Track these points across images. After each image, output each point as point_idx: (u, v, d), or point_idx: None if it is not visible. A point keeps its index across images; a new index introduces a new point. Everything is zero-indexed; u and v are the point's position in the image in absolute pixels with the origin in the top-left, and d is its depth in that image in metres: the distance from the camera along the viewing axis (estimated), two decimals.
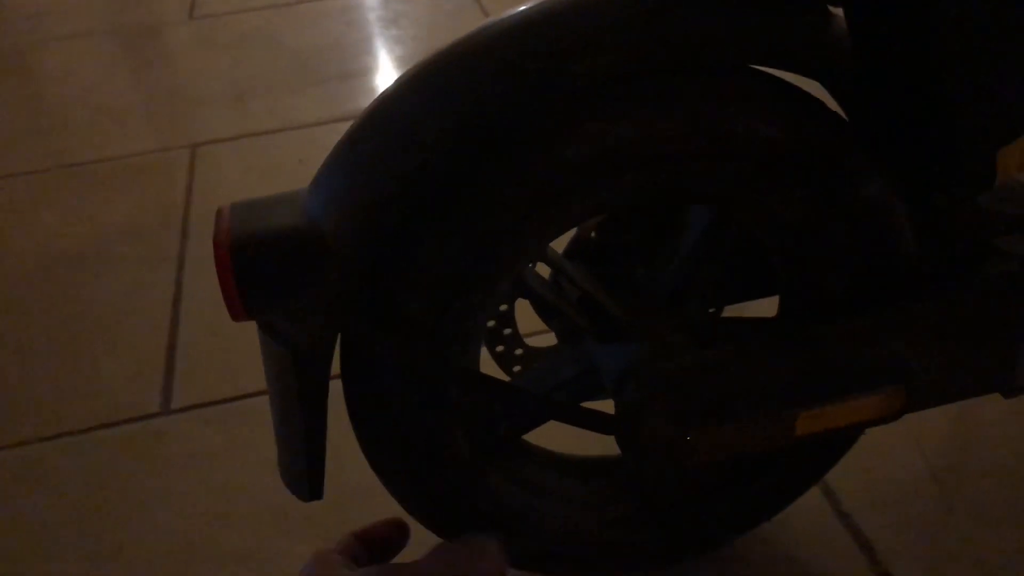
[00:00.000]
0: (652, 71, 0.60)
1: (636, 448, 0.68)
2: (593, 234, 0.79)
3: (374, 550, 0.65)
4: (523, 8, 0.60)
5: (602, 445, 0.88)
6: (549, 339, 0.83)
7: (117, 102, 1.90)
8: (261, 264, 0.59)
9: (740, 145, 0.62)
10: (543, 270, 0.78)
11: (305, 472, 0.67)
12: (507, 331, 0.83)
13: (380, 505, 0.94)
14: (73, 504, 1.00)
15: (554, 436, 0.87)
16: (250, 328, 1.21)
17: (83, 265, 1.40)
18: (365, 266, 0.62)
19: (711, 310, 0.85)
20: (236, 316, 0.60)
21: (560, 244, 1.06)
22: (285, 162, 1.63)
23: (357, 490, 0.97)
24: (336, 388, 0.71)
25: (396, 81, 0.62)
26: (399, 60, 1.98)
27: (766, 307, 0.80)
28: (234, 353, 1.19)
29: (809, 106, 0.64)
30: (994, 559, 0.85)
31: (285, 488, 0.98)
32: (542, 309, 0.81)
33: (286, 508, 0.97)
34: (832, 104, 0.69)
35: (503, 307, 0.82)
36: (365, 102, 1.81)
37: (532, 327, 0.86)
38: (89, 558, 0.94)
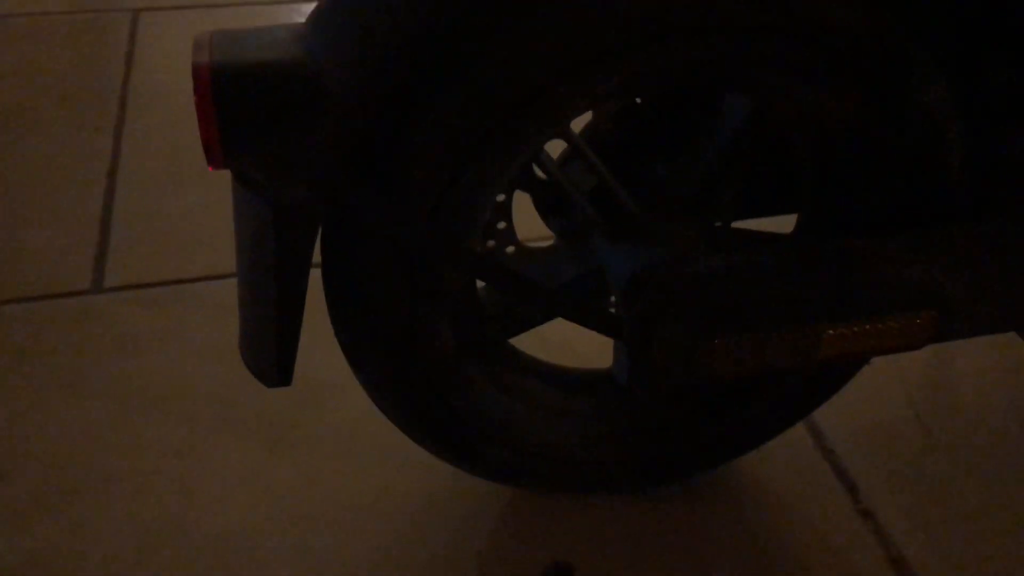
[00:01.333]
0: None
1: (646, 356, 0.61)
2: (610, 125, 0.71)
3: None
4: None
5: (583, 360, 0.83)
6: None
7: None
8: (247, 97, 0.50)
9: (809, 24, 0.54)
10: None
11: (274, 355, 0.59)
12: (501, 224, 0.75)
13: (342, 404, 0.87)
14: None
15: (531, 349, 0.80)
16: (194, 211, 1.12)
17: (10, 125, 1.26)
18: (366, 119, 0.53)
19: (718, 224, 0.79)
20: (214, 160, 0.51)
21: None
22: None
23: (317, 386, 0.89)
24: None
25: None
26: None
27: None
28: (173, 235, 1.08)
29: None
30: (973, 502, 0.82)
31: (230, 379, 0.90)
32: (545, 203, 0.73)
33: (232, 400, 0.88)
34: None
35: (500, 197, 0.74)
36: None
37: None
38: (5, 435, 0.84)
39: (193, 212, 1.11)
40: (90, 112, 1.29)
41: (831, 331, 0.62)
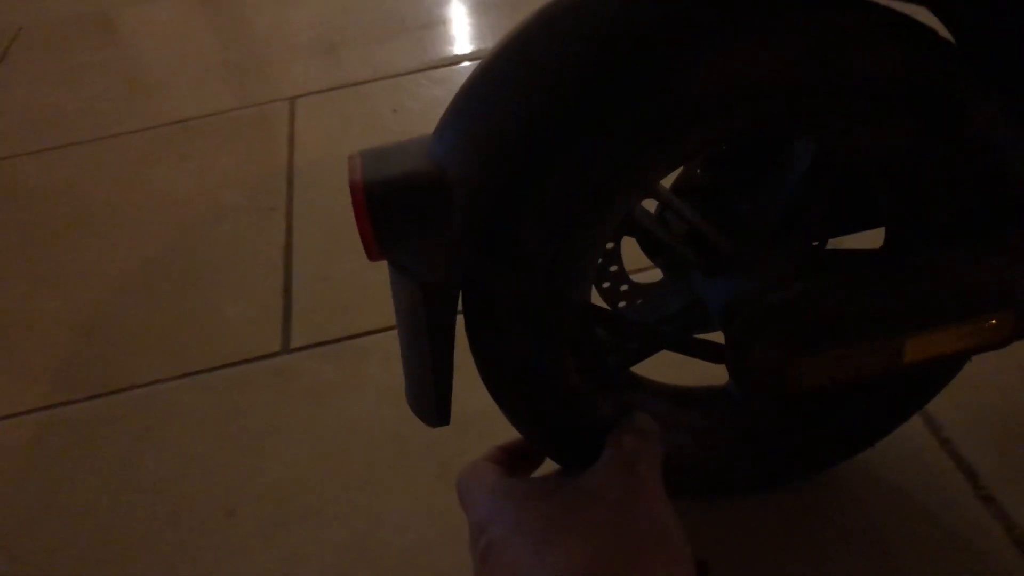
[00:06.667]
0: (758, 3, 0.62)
1: (745, 376, 0.71)
2: (699, 171, 0.81)
3: (516, 462, 0.74)
4: None
5: (697, 378, 0.92)
6: (653, 275, 0.86)
7: (211, 59, 1.97)
8: (393, 206, 0.63)
9: (856, 79, 0.63)
10: (649, 207, 0.81)
11: (433, 400, 0.72)
12: (613, 268, 0.86)
13: (495, 431, 1.00)
14: (209, 436, 1.08)
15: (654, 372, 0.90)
16: (359, 272, 1.29)
17: (200, 215, 1.48)
18: (487, 206, 0.65)
19: (814, 243, 0.86)
20: (372, 255, 0.65)
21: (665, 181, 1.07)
22: (380, 111, 1.68)
23: (474, 417, 1.02)
24: (460, 321, 0.75)
25: (514, 30, 0.65)
26: (481, 6, 2.00)
27: (869, 241, 0.81)
28: (345, 296, 1.26)
29: (922, 36, 0.64)
30: None
31: (402, 418, 1.05)
32: (648, 245, 0.83)
33: (405, 436, 1.03)
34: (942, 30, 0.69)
35: (609, 245, 0.85)
36: (452, 50, 1.84)
37: (636, 264, 0.89)
38: (225, 485, 1.02)
39: (359, 274, 1.29)
40: (263, 194, 1.50)
41: (911, 339, 0.69)
